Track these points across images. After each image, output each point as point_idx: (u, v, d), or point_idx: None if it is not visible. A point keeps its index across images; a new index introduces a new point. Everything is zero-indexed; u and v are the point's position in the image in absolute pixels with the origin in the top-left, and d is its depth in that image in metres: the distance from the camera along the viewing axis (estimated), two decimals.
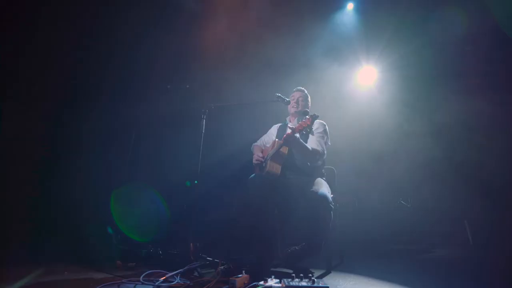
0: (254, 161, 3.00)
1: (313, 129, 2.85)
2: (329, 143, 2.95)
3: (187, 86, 3.31)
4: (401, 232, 4.12)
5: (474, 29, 3.58)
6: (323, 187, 2.64)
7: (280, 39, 4.24)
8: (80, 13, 3.15)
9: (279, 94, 3.00)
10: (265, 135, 3.22)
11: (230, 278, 2.00)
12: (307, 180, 2.73)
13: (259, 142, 3.21)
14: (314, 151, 2.71)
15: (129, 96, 3.50)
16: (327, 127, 2.95)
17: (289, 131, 2.61)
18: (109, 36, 3.31)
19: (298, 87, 3.15)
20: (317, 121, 2.93)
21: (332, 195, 2.63)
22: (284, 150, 2.69)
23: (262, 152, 3.01)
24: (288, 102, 3.02)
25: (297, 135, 2.60)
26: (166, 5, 3.70)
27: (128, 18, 3.36)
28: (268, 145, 3.06)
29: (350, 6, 4.90)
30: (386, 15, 4.41)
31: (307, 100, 3.11)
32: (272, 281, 1.91)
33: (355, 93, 4.89)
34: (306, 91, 3.12)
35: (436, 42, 3.88)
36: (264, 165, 2.86)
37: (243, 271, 2.09)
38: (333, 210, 2.54)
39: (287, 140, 2.62)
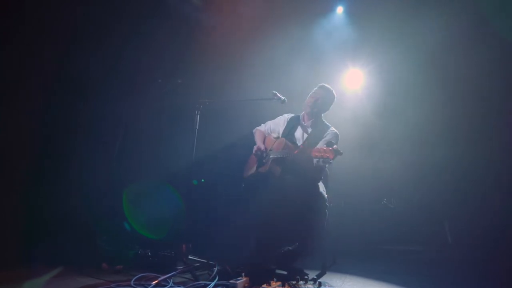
0: (254, 151, 2.76)
1: (325, 136, 2.68)
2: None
3: (179, 81, 3.19)
4: (385, 232, 4.20)
5: (460, 33, 3.73)
6: (319, 187, 2.63)
7: (269, 40, 4.21)
8: (69, 9, 2.93)
9: (276, 92, 2.92)
10: (271, 122, 2.97)
11: (230, 282, 1.92)
12: (302, 180, 2.70)
13: (263, 128, 2.96)
14: (317, 170, 2.54)
15: (119, 92, 3.32)
16: (339, 139, 2.73)
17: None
18: (100, 31, 3.10)
19: (323, 85, 2.78)
20: (332, 130, 2.74)
21: (326, 195, 2.63)
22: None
23: (264, 143, 2.80)
24: (284, 101, 2.90)
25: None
26: (160, 2, 3.54)
27: (120, 13, 3.17)
28: (273, 135, 2.87)
29: (339, 9, 4.96)
30: (373, 18, 4.50)
31: (328, 103, 2.79)
32: (275, 284, 1.85)
33: (342, 96, 4.96)
34: (332, 92, 2.78)
35: (423, 46, 3.99)
36: (264, 161, 2.70)
37: (243, 274, 2.01)
38: (327, 210, 2.54)
39: (293, 161, 2.45)
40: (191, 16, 3.77)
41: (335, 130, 2.74)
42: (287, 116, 2.96)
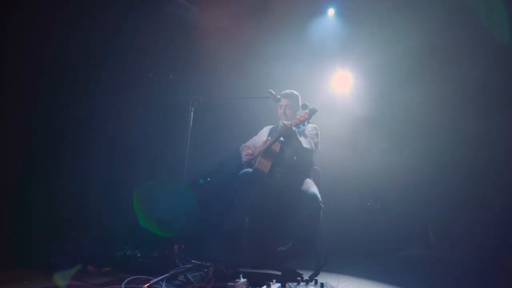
0: (243, 159, 2.91)
1: (305, 131, 2.88)
2: (319, 148, 2.93)
3: (170, 76, 3.08)
4: (372, 232, 4.26)
5: (451, 34, 3.82)
6: (313, 187, 2.63)
7: (263, 40, 4.17)
8: (58, 5, 2.76)
9: (271, 90, 2.92)
10: (255, 136, 3.13)
11: (228, 284, 1.86)
12: (295, 180, 2.70)
13: (249, 143, 3.11)
14: (305, 148, 2.70)
15: (109, 88, 3.16)
16: (319, 131, 2.94)
17: (286, 122, 2.58)
18: (92, 27, 2.95)
19: (285, 92, 2.94)
20: (310, 125, 2.93)
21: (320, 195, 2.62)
22: (276, 147, 2.67)
23: (251, 151, 2.95)
24: (279, 100, 2.96)
25: (294, 128, 2.57)
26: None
27: (110, 8, 3.03)
28: (258, 145, 2.99)
29: (331, 12, 5.00)
30: (363, 21, 4.56)
31: (296, 106, 2.96)
32: (274, 286, 1.80)
33: (331, 98, 4.99)
34: (295, 94, 2.97)
35: (414, 48, 4.06)
36: (253, 162, 2.80)
37: (241, 275, 1.96)
38: (321, 210, 2.53)
39: (282, 131, 2.57)
40: (184, 13, 3.68)
41: (314, 125, 2.95)
42: (269, 127, 3.12)
